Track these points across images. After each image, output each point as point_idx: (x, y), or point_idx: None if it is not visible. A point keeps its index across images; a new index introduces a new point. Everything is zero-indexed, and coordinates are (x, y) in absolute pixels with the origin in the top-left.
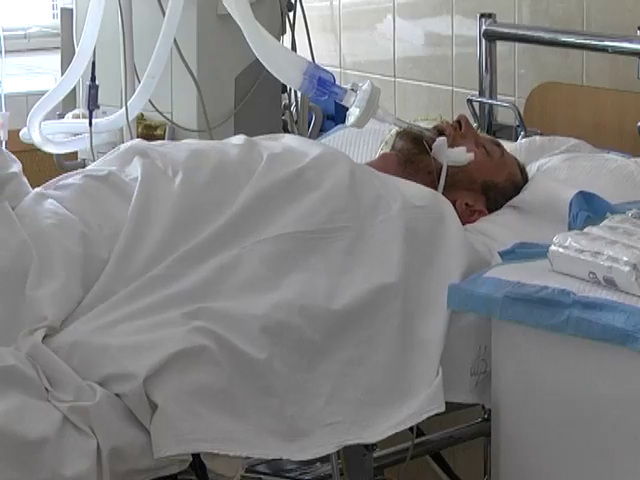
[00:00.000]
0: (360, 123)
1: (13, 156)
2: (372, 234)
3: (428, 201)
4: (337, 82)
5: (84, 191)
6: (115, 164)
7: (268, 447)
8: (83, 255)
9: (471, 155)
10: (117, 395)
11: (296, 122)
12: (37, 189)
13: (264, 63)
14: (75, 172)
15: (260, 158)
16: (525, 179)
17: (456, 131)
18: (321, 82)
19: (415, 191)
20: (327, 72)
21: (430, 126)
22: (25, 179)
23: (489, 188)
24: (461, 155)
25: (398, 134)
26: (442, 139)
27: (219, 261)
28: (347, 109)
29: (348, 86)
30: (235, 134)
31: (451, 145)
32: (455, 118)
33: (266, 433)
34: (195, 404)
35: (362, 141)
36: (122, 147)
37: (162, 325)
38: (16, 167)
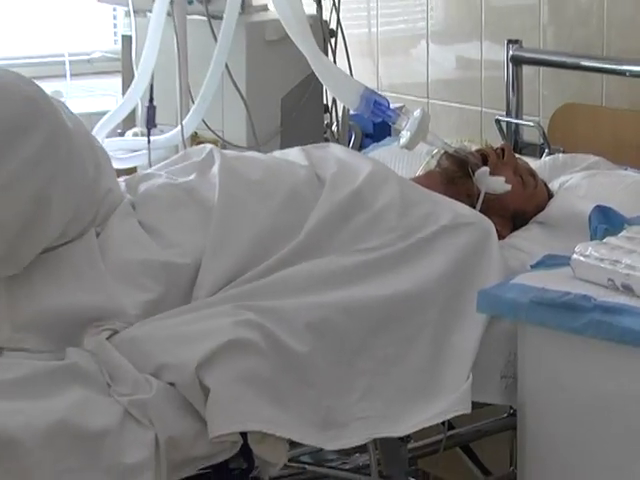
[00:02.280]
0: (411, 145)
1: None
2: (419, 245)
3: (475, 219)
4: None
5: (168, 206)
6: (193, 170)
7: (305, 434)
8: (165, 288)
9: (508, 187)
10: (171, 384)
11: (337, 140)
12: (122, 205)
13: (325, 84)
14: (158, 173)
15: (323, 181)
16: (550, 196)
17: (498, 159)
18: (377, 105)
19: (462, 209)
20: (382, 96)
21: (474, 148)
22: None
23: (518, 216)
24: (500, 185)
25: (445, 154)
26: (485, 169)
27: (279, 275)
28: (384, 130)
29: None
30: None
31: (492, 171)
32: (499, 146)
33: (303, 422)
34: (244, 390)
35: (400, 158)
36: (194, 152)
37: (213, 317)
38: (109, 181)
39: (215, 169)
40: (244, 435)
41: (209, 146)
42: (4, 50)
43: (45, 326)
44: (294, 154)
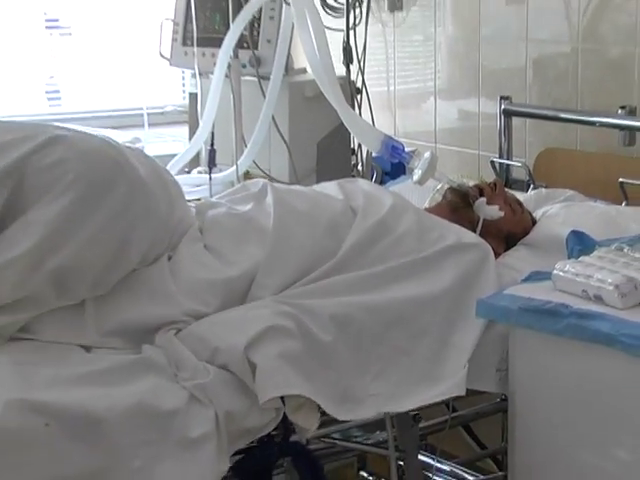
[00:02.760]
0: (422, 181)
1: (182, 195)
2: (428, 262)
3: (476, 241)
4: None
5: (231, 233)
6: (251, 200)
7: (326, 406)
8: (222, 300)
9: (501, 213)
10: (224, 367)
11: (362, 176)
12: (191, 231)
13: (352, 132)
14: (221, 202)
15: (355, 211)
16: (534, 222)
17: (492, 191)
18: (394, 149)
19: (466, 234)
20: (398, 142)
21: (472, 183)
22: (189, 210)
23: (509, 237)
24: (495, 212)
25: (450, 188)
26: (482, 199)
27: (314, 285)
28: (400, 169)
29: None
30: None
31: (487, 201)
32: (492, 180)
33: (325, 396)
34: (283, 364)
35: (412, 192)
36: (252, 184)
37: (255, 308)
38: (180, 211)
39: (269, 200)
40: (283, 405)
41: (262, 180)
42: (98, 104)
43: (125, 333)
44: (331, 187)
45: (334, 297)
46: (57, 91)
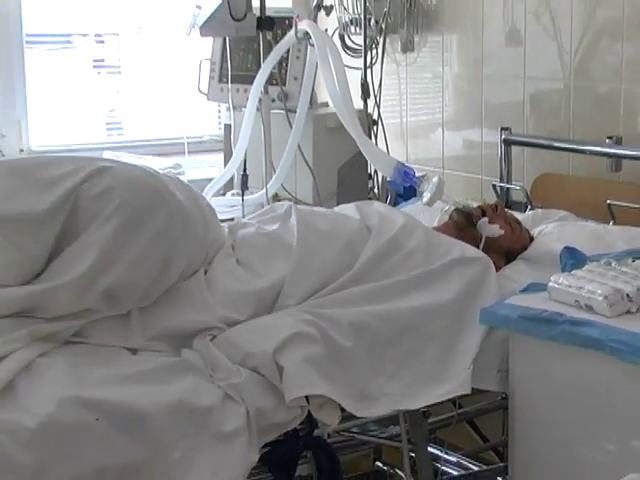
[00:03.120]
0: (431, 203)
1: (215, 217)
2: (436, 274)
3: (478, 255)
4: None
5: (260, 249)
6: (277, 220)
7: (346, 404)
8: (255, 309)
9: (502, 231)
10: (255, 369)
11: (377, 199)
12: (224, 248)
13: (368, 159)
14: (251, 222)
15: (370, 229)
16: (531, 239)
17: (494, 212)
18: (406, 174)
19: (469, 249)
20: (409, 167)
21: (476, 204)
22: (222, 230)
23: (509, 252)
24: (496, 230)
25: (455, 209)
26: (485, 219)
27: (334, 295)
28: (412, 192)
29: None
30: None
31: (489, 221)
32: (493, 202)
33: (345, 395)
34: (308, 367)
35: (422, 212)
36: (278, 207)
37: (281, 317)
38: (214, 231)
39: (293, 220)
40: (307, 404)
41: (288, 203)
42: (146, 134)
43: (166, 337)
44: (349, 209)
45: (352, 307)
46: (118, 122)
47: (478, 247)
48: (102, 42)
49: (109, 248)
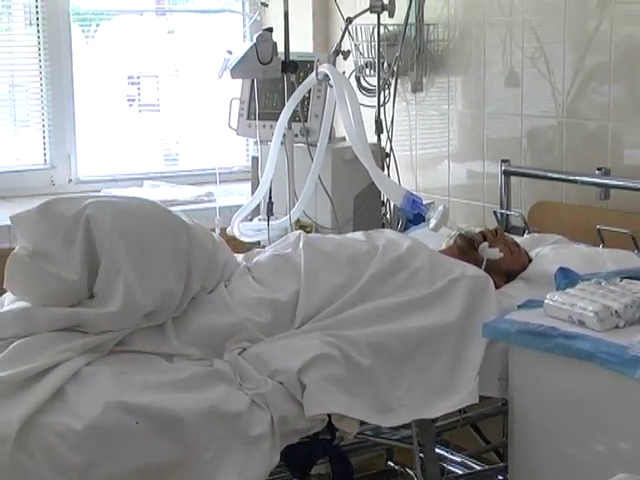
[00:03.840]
0: (437, 228)
1: (225, 245)
2: (440, 292)
3: (477, 274)
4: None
5: (272, 268)
6: (289, 247)
7: (367, 416)
8: (272, 315)
9: (501, 254)
10: (280, 383)
11: (389, 223)
12: (240, 268)
13: (380, 188)
14: (264, 250)
15: (377, 249)
16: (530, 260)
17: (494, 236)
18: (414, 202)
19: (469, 269)
20: (417, 196)
21: (478, 230)
22: (234, 258)
23: (509, 273)
24: (495, 254)
25: (459, 235)
26: (485, 244)
27: (349, 313)
28: (420, 217)
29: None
30: (354, 231)
31: (490, 245)
32: (494, 227)
33: (366, 407)
34: (328, 386)
35: (429, 237)
36: (291, 236)
37: (307, 339)
38: (225, 255)
39: (301, 244)
40: (329, 416)
41: (298, 232)
42: (181, 165)
43: (199, 341)
44: (358, 235)
45: (369, 326)
46: (157, 155)
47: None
48: (138, 83)
49: (134, 272)
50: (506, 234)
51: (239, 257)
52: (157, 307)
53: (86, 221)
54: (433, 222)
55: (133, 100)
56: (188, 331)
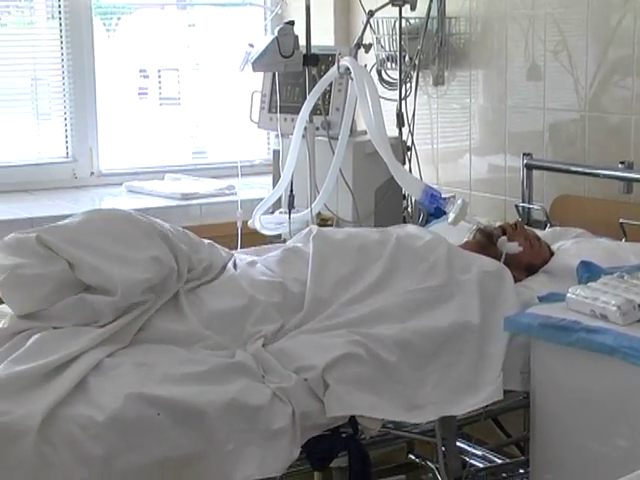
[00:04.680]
0: (455, 222)
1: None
2: (458, 288)
3: (495, 268)
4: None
5: (281, 259)
6: (301, 241)
7: (395, 414)
8: (282, 297)
9: (520, 248)
10: (305, 379)
11: (411, 217)
12: (249, 260)
13: (399, 182)
14: (275, 247)
15: (390, 240)
16: (551, 254)
17: (513, 230)
18: (433, 196)
19: (487, 262)
20: (436, 190)
21: (497, 224)
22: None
23: (530, 267)
24: (514, 248)
25: (478, 229)
26: (504, 238)
27: (370, 305)
28: (441, 211)
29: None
30: (375, 224)
31: (509, 239)
32: (513, 221)
33: (394, 406)
34: (352, 386)
35: (450, 230)
36: (304, 231)
37: (334, 337)
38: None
39: (311, 237)
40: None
41: (312, 226)
42: (203, 158)
43: (217, 324)
44: (375, 229)
45: (394, 322)
46: (178, 148)
47: None
48: (159, 77)
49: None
50: (526, 227)
51: (249, 250)
52: (152, 274)
53: (39, 240)
54: (452, 216)
55: (145, 94)
56: (204, 312)
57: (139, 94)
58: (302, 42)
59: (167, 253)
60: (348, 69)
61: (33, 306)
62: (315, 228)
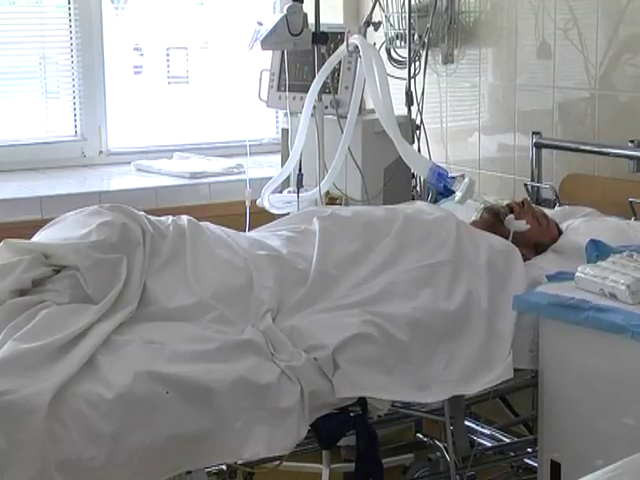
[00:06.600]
0: (462, 201)
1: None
2: (468, 265)
3: (504, 247)
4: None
5: (288, 238)
6: (305, 221)
7: (406, 394)
8: (283, 271)
9: (528, 226)
10: (315, 359)
11: (420, 196)
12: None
13: (406, 161)
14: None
15: (398, 217)
16: (560, 232)
17: (521, 208)
18: (440, 174)
19: (497, 241)
20: (443, 169)
21: (504, 202)
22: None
23: (538, 245)
24: (522, 226)
25: (485, 208)
26: (511, 216)
27: (381, 282)
28: (450, 190)
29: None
30: (384, 203)
31: (517, 217)
32: (521, 199)
33: (405, 386)
34: (362, 367)
35: (458, 209)
36: (306, 210)
37: (346, 316)
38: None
39: (315, 217)
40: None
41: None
42: (211, 137)
43: (220, 295)
44: (384, 207)
45: (405, 301)
46: (187, 127)
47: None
48: (168, 55)
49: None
50: (535, 206)
51: (252, 232)
52: (105, 236)
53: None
54: (459, 195)
55: (163, 72)
56: (209, 286)
57: (137, 73)
58: (311, 20)
59: (118, 217)
60: (357, 47)
61: None
62: (318, 208)
